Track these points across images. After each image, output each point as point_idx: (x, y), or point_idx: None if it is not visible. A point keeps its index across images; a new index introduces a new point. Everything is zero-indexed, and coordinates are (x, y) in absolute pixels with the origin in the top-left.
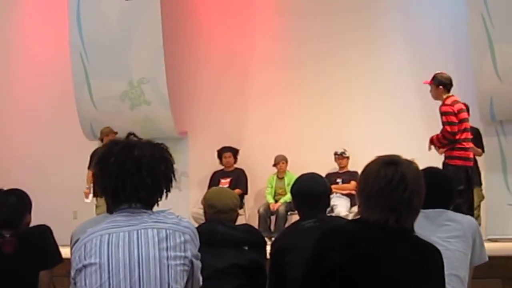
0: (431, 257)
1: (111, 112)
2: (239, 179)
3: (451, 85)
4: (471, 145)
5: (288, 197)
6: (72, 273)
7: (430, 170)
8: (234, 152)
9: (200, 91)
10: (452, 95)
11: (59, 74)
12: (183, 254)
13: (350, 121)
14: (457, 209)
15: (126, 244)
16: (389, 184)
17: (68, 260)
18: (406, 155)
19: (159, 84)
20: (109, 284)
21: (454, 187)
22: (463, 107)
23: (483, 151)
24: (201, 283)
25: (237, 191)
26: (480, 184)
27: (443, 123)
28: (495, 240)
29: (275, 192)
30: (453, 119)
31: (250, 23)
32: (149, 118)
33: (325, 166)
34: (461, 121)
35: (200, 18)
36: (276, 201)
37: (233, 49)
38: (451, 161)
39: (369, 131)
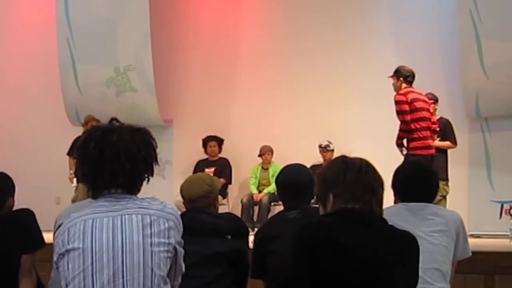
0: (407, 243)
1: (96, 98)
2: (223, 169)
3: (412, 77)
4: (427, 133)
5: (272, 187)
6: (55, 258)
7: (414, 163)
8: (219, 141)
9: (187, 80)
10: (410, 87)
11: (46, 59)
12: (167, 240)
13: (336, 115)
14: None
15: (110, 229)
16: (358, 173)
17: (51, 245)
18: (392, 150)
19: (145, 71)
20: (92, 269)
21: (438, 180)
22: (419, 96)
23: (455, 143)
24: (183, 270)
25: (221, 180)
26: (446, 179)
27: (396, 113)
28: (478, 236)
29: (259, 183)
30: (405, 107)
31: (239, 13)
32: (135, 105)
33: (310, 158)
34: (416, 109)
35: (189, 7)
36: (260, 192)
37: (221, 39)
38: (413, 152)
39: (355, 125)
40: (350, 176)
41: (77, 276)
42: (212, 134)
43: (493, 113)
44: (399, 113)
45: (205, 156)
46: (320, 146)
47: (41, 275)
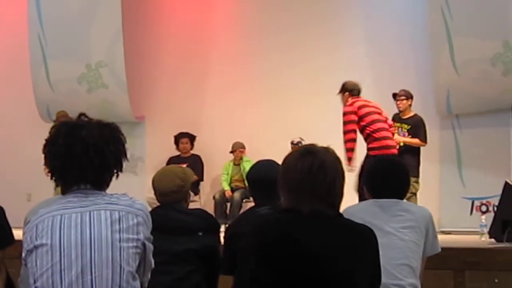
0: (364, 237)
1: (68, 95)
2: (195, 165)
3: (358, 91)
4: (385, 134)
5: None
6: (23, 254)
7: (385, 160)
8: (191, 138)
9: (160, 77)
10: (357, 98)
11: (17, 55)
12: (135, 236)
13: (309, 111)
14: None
15: (78, 225)
16: (309, 174)
17: (21, 242)
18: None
19: (117, 68)
20: (61, 265)
21: (409, 177)
22: (366, 103)
23: (425, 141)
24: (153, 265)
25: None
26: (417, 175)
27: (344, 124)
28: (448, 233)
29: (231, 179)
30: (353, 117)
31: (212, 10)
32: (107, 101)
33: (282, 155)
34: (366, 114)
35: (161, 4)
36: (231, 188)
37: (193, 37)
38: (372, 152)
39: (327, 121)
40: (300, 176)
41: (45, 272)
42: (184, 130)
43: (464, 110)
44: (347, 123)
45: (177, 153)
46: (292, 143)
47: (10, 272)
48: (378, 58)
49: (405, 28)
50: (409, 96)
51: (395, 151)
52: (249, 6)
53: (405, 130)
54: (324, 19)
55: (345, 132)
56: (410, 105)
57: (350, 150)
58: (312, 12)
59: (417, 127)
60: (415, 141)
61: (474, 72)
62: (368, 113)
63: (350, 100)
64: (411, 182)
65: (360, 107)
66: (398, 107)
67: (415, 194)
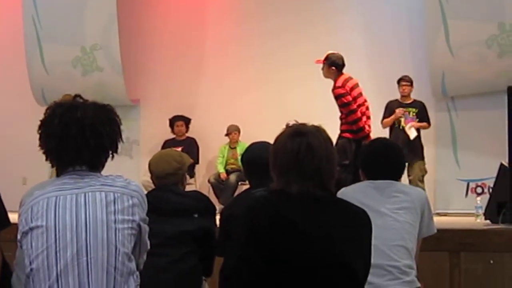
0: (357, 217)
1: (62, 78)
2: (190, 148)
3: (343, 65)
4: (369, 113)
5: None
6: (19, 236)
7: (380, 141)
8: (186, 121)
9: (155, 60)
10: (343, 74)
11: (11, 38)
12: (131, 217)
13: (305, 94)
14: (340, 185)
15: (73, 207)
16: (297, 156)
17: (16, 225)
18: None
19: (112, 51)
20: (56, 247)
21: (404, 158)
22: (356, 82)
23: (429, 124)
24: (148, 247)
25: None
26: (423, 158)
27: (339, 106)
28: (444, 214)
29: (226, 162)
30: (348, 98)
31: None
32: (101, 84)
33: None
34: (358, 96)
35: None
36: (227, 171)
37: (189, 19)
38: (343, 134)
39: (322, 105)
40: (288, 157)
41: (41, 254)
42: (180, 114)
43: (459, 92)
44: (346, 105)
45: (172, 136)
46: (286, 126)
47: (6, 255)
48: (373, 40)
49: (400, 11)
50: (412, 82)
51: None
52: None
53: (414, 114)
54: (319, 2)
55: (350, 112)
56: (411, 91)
57: (367, 118)
58: None
59: (423, 111)
60: (425, 124)
61: (469, 54)
62: (360, 95)
63: (339, 80)
64: (422, 166)
65: (352, 88)
66: (402, 92)
67: (423, 177)
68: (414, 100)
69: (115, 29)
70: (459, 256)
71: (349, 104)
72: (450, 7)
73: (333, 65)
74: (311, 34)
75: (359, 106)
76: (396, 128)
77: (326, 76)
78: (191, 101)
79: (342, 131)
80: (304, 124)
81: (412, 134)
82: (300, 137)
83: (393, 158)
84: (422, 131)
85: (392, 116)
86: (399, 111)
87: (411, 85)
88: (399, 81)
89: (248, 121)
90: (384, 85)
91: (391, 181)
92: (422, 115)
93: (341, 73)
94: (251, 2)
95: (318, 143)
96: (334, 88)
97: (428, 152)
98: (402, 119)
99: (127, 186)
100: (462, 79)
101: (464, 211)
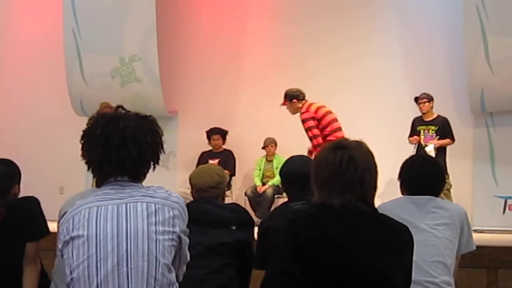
0: (400, 232)
1: (101, 89)
2: (227, 160)
3: (303, 94)
4: (340, 135)
5: (276, 180)
6: (60, 245)
7: (420, 157)
8: (223, 133)
9: (192, 71)
10: (306, 101)
11: (52, 49)
12: (171, 229)
13: (343, 106)
14: None
15: (114, 217)
16: (339, 168)
17: (54, 234)
18: (398, 138)
19: (150, 62)
20: (97, 257)
21: (444, 174)
22: (319, 104)
23: (453, 140)
24: (188, 258)
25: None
26: (446, 173)
27: (305, 130)
28: (481, 231)
29: (263, 175)
30: (312, 123)
31: (242, 3)
32: (139, 96)
33: None
34: (323, 117)
35: None
36: (263, 184)
37: (225, 30)
38: (309, 155)
39: (361, 116)
40: (330, 170)
41: (82, 263)
42: (217, 125)
43: (498, 108)
44: (308, 130)
45: (209, 148)
46: None
47: (44, 264)
48: (412, 56)
49: (439, 26)
50: (430, 99)
51: None
52: None
53: (433, 132)
54: (357, 24)
55: (312, 137)
56: (431, 107)
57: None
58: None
59: (445, 127)
60: (447, 141)
61: (508, 71)
62: (324, 115)
63: (303, 107)
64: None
65: (316, 110)
66: (421, 110)
67: (449, 190)
68: (437, 117)
69: (153, 40)
70: (496, 273)
71: (310, 129)
72: (490, 24)
73: (293, 98)
74: (349, 56)
75: (333, 131)
76: (420, 145)
77: (293, 112)
78: (228, 113)
79: (309, 152)
80: (345, 139)
81: (429, 154)
82: (342, 149)
83: (432, 173)
84: (458, 146)
85: (412, 139)
86: (412, 139)
87: (429, 101)
88: (416, 100)
89: (285, 134)
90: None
91: (431, 197)
92: (444, 132)
93: (305, 101)
94: (290, 5)
95: (360, 156)
96: (300, 114)
97: (465, 168)
98: (422, 137)
99: (168, 197)
100: (501, 95)
101: (501, 229)
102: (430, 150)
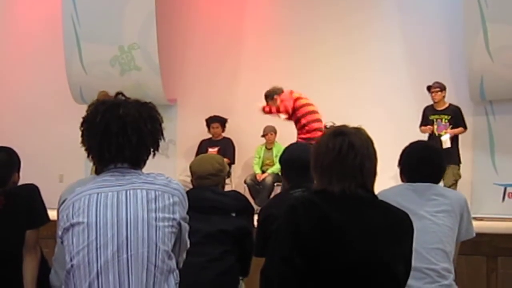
0: (400, 219)
1: (100, 77)
2: (227, 149)
3: (279, 89)
4: (317, 126)
5: (276, 168)
6: (60, 232)
7: (420, 144)
8: (222, 121)
9: (192, 59)
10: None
11: (51, 37)
12: (171, 216)
13: (344, 96)
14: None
15: (114, 204)
16: (339, 154)
17: (54, 222)
18: (399, 127)
19: (150, 50)
20: (97, 244)
21: (444, 161)
22: (299, 95)
23: (465, 128)
24: (188, 245)
25: (225, 160)
26: (457, 163)
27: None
28: (480, 219)
29: (262, 163)
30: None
31: None
32: (139, 84)
33: None
34: (301, 106)
35: None
36: (263, 172)
37: (225, 18)
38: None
39: (360, 102)
40: (330, 157)
41: (82, 250)
42: (216, 113)
43: (497, 96)
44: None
45: (209, 136)
46: (324, 127)
47: (44, 252)
48: (411, 45)
49: (439, 15)
50: (443, 88)
51: None
52: None
53: (446, 121)
54: (357, 11)
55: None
56: (444, 96)
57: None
58: None
59: (457, 116)
60: (460, 129)
61: (508, 59)
62: (303, 105)
63: (281, 96)
64: (456, 171)
65: (296, 100)
66: (433, 99)
67: (456, 181)
68: (449, 105)
69: (153, 28)
70: (496, 261)
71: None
72: (489, 11)
73: (272, 94)
74: (351, 26)
75: (300, 116)
76: (433, 134)
77: (282, 110)
78: (228, 101)
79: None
80: (344, 125)
81: (445, 144)
82: (342, 136)
83: (433, 161)
84: (460, 136)
85: (425, 128)
86: (425, 128)
87: (442, 90)
88: (429, 89)
89: (284, 122)
90: (423, 90)
91: (431, 184)
92: (457, 120)
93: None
94: (289, 3)
95: (360, 142)
96: (280, 102)
97: (465, 156)
98: (435, 126)
99: (168, 184)
100: (500, 83)
101: (501, 216)
102: (446, 139)
